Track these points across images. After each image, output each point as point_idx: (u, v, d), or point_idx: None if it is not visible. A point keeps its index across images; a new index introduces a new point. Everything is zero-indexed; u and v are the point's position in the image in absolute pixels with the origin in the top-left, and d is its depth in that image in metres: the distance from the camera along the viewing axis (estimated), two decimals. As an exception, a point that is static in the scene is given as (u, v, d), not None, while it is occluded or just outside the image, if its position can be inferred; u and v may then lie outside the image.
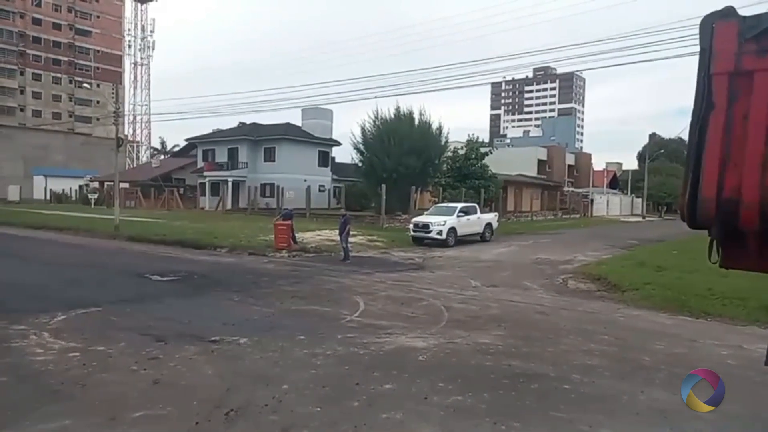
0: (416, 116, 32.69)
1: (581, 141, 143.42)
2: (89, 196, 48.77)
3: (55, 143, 72.12)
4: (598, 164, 69.50)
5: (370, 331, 7.60)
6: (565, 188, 57.77)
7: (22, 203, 50.87)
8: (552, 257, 17.42)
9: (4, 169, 60.81)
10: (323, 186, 44.06)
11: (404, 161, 30.19)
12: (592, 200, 52.77)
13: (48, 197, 56.31)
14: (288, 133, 43.18)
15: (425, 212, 23.81)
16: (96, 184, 53.34)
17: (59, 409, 4.70)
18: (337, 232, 17.47)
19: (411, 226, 21.79)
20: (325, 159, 45.57)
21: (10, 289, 10.46)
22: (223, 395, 5.11)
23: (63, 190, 55.92)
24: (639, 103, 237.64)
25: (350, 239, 17.38)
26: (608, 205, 54.96)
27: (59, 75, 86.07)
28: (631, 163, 74.64)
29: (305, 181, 38.22)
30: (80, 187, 55.26)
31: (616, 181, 63.74)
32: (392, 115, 32.79)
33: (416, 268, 15.14)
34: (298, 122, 46.75)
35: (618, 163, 71.48)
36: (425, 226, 21.00)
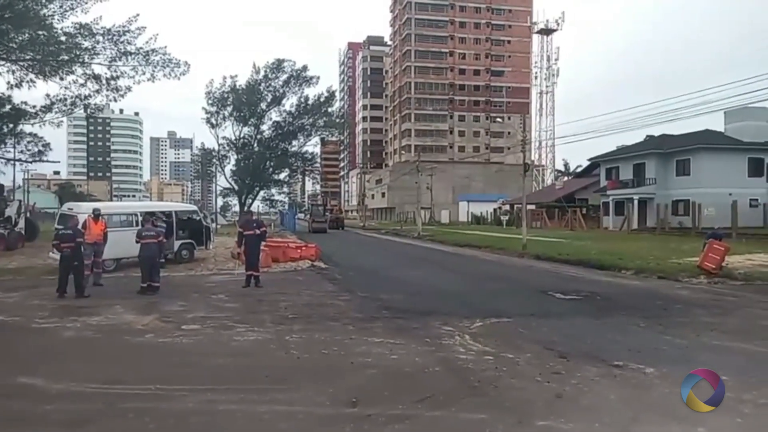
0: None
1: None
2: (501, 217, 54.69)
3: (475, 173, 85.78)
4: None
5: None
6: None
7: (450, 225, 61.25)
8: None
9: (439, 197, 74.56)
10: (756, 200, 36.76)
11: None
12: None
13: (469, 219, 66.17)
14: (706, 141, 38.04)
15: None
16: (507, 207, 59.38)
17: (477, 403, 5.39)
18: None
19: None
20: (758, 167, 37.99)
21: (444, 296, 12.71)
22: (627, 424, 4.86)
23: (481, 212, 64.66)
24: None
25: None
26: None
27: (478, 114, 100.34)
28: None
29: (730, 195, 32.67)
30: (494, 210, 62.67)
31: None
32: None
33: None
34: (718, 128, 40.66)
35: None
36: None
